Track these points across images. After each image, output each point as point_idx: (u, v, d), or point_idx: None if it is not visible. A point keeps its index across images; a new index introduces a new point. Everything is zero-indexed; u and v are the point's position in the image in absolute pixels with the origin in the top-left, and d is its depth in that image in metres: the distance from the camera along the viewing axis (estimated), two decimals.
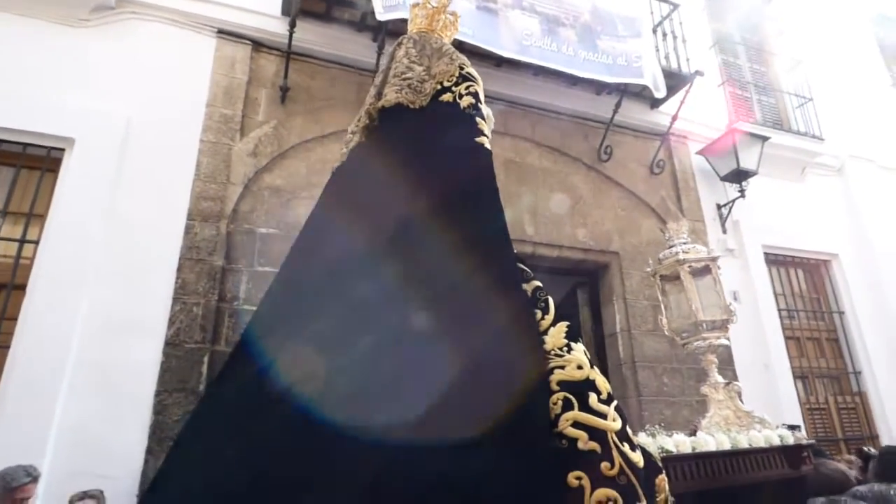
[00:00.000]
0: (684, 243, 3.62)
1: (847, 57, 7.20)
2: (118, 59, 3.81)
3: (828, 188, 6.46)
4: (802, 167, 6.33)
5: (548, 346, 1.23)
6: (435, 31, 2.11)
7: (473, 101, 1.76)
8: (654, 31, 5.29)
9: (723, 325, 3.46)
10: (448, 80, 1.81)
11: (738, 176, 5.38)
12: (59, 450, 2.92)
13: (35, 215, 3.42)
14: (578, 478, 1.02)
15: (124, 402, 3.15)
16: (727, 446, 2.91)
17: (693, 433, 3.04)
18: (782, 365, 5.25)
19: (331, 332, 1.33)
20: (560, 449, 1.07)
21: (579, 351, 1.23)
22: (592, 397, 1.14)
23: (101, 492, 2.79)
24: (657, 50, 5.16)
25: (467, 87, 1.79)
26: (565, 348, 1.23)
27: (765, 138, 5.45)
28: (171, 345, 3.37)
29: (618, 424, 1.11)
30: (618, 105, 4.99)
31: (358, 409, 1.13)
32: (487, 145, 1.66)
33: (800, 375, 5.53)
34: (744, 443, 2.98)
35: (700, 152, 5.64)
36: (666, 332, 3.68)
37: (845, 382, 5.85)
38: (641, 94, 5.23)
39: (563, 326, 1.28)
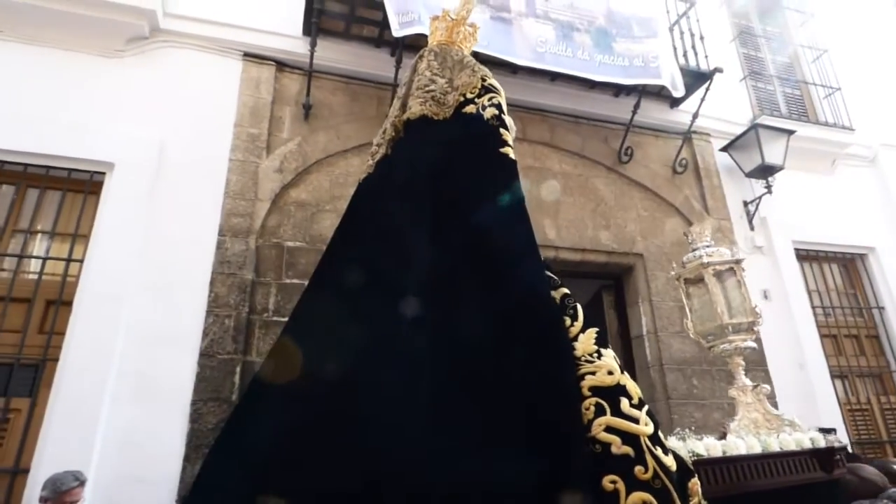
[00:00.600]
0: (707, 246, 3.61)
1: (874, 44, 7.00)
2: (152, 85, 4.03)
3: (860, 179, 6.28)
4: (832, 159, 6.18)
5: (578, 353, 1.26)
6: (455, 42, 2.17)
7: (497, 112, 1.79)
8: (671, 30, 5.27)
9: (749, 328, 3.44)
10: (471, 92, 1.85)
11: (764, 171, 5.29)
12: (104, 456, 3.09)
13: (79, 235, 3.64)
14: (613, 481, 1.05)
15: (163, 411, 3.31)
16: (757, 450, 2.86)
17: (722, 436, 3.01)
18: (818, 364, 5.11)
19: (364, 343, 1.36)
20: (594, 453, 1.09)
21: (609, 356, 1.26)
22: (624, 402, 1.16)
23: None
24: (675, 48, 5.14)
25: (490, 99, 1.82)
26: (595, 354, 1.25)
27: (790, 132, 5.35)
28: (205, 356, 3.53)
29: (650, 429, 1.13)
30: (636, 106, 4.98)
31: (398, 415, 1.16)
32: (512, 155, 1.69)
33: (838, 375, 5.37)
34: (774, 446, 2.93)
35: (724, 149, 5.57)
36: (691, 336, 3.67)
37: (888, 381, 5.64)
38: (661, 94, 5.21)
39: (592, 333, 1.30)
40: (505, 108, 1.83)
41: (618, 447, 1.10)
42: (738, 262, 3.56)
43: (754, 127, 5.29)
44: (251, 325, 3.72)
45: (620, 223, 5.08)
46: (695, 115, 5.17)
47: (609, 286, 5.35)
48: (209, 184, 3.92)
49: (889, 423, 5.40)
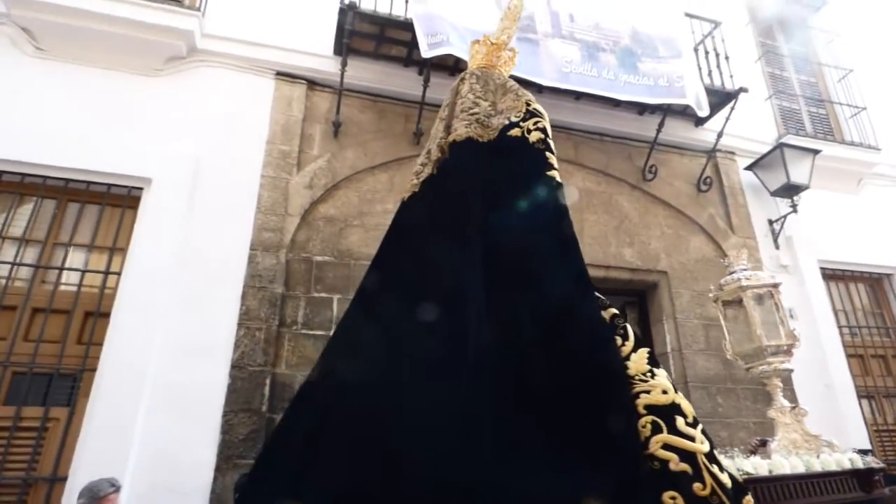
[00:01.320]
0: (744, 269, 3.72)
1: None
2: (188, 103, 4.16)
3: (887, 199, 6.22)
4: (858, 178, 6.13)
5: (631, 372, 1.28)
6: (496, 66, 2.20)
7: (542, 136, 1.82)
8: (696, 50, 5.30)
9: (787, 350, 3.52)
10: (515, 116, 1.88)
11: (789, 191, 5.27)
12: (139, 465, 3.16)
13: (117, 249, 3.75)
14: (673, 497, 1.08)
15: (195, 422, 3.38)
16: (801, 469, 2.95)
17: (752, 453, 3.06)
18: (845, 384, 5.05)
19: (417, 362, 1.39)
20: (654, 470, 1.12)
21: (662, 376, 1.28)
22: (680, 421, 1.18)
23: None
24: (700, 68, 5.17)
25: (535, 123, 1.84)
26: (649, 374, 1.28)
27: (815, 151, 5.34)
28: (236, 367, 3.60)
29: (706, 447, 1.15)
30: (661, 125, 5.01)
31: (460, 434, 1.18)
32: (559, 178, 1.72)
33: (865, 395, 5.29)
34: (816, 466, 3.01)
35: (749, 168, 5.56)
36: (728, 357, 3.74)
37: None
38: (685, 113, 5.24)
39: (644, 352, 1.33)
40: (550, 132, 1.86)
41: (676, 464, 1.12)
42: (775, 285, 3.66)
43: (779, 146, 5.28)
44: (281, 338, 3.79)
45: (644, 240, 5.08)
46: (720, 134, 5.18)
47: (633, 303, 5.34)
48: (242, 199, 4.02)
49: None
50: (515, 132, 1.83)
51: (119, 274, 3.64)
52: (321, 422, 1.40)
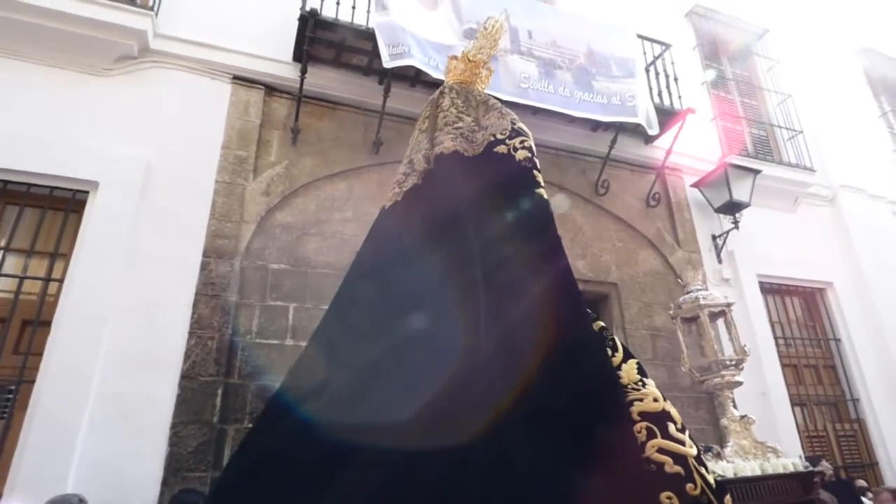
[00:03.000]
0: (700, 289, 4.01)
1: (835, 89, 7.47)
2: (140, 105, 4.04)
3: (821, 218, 6.64)
4: (795, 198, 6.52)
5: (624, 381, 1.35)
6: (473, 83, 2.25)
7: (529, 154, 1.85)
8: (647, 71, 5.53)
9: (738, 364, 3.79)
10: (501, 133, 1.91)
11: (732, 208, 5.56)
12: (81, 480, 3.04)
13: (60, 254, 3.60)
14: (669, 497, 1.15)
15: (141, 435, 3.28)
16: (758, 472, 3.28)
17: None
18: (780, 392, 5.36)
19: (407, 369, 1.40)
20: (651, 472, 1.20)
21: (652, 385, 1.36)
22: (671, 426, 1.27)
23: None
24: (650, 88, 5.40)
25: (522, 142, 1.88)
26: (640, 383, 1.35)
27: (756, 171, 5.65)
28: (186, 378, 3.51)
29: (694, 450, 1.25)
30: (613, 141, 5.20)
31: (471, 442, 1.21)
32: (546, 195, 1.75)
33: (798, 403, 5.62)
34: (769, 469, 3.35)
35: (694, 185, 5.84)
36: (684, 369, 3.97)
37: (843, 409, 5.93)
38: (636, 131, 5.45)
39: (633, 363, 1.41)
40: (535, 150, 1.90)
41: (670, 467, 1.20)
42: (729, 305, 3.99)
43: (723, 165, 5.56)
44: (234, 348, 3.72)
45: (596, 253, 5.25)
46: (668, 152, 5.42)
47: None
48: (195, 205, 3.94)
49: (843, 450, 5.68)
50: (501, 149, 1.87)
51: (61, 281, 3.50)
52: (301, 438, 1.40)
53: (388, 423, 1.31)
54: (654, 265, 5.46)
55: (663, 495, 1.15)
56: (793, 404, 5.45)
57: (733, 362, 3.85)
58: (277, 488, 1.35)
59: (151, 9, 4.13)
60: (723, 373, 3.79)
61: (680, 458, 1.21)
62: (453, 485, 1.18)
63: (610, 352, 1.42)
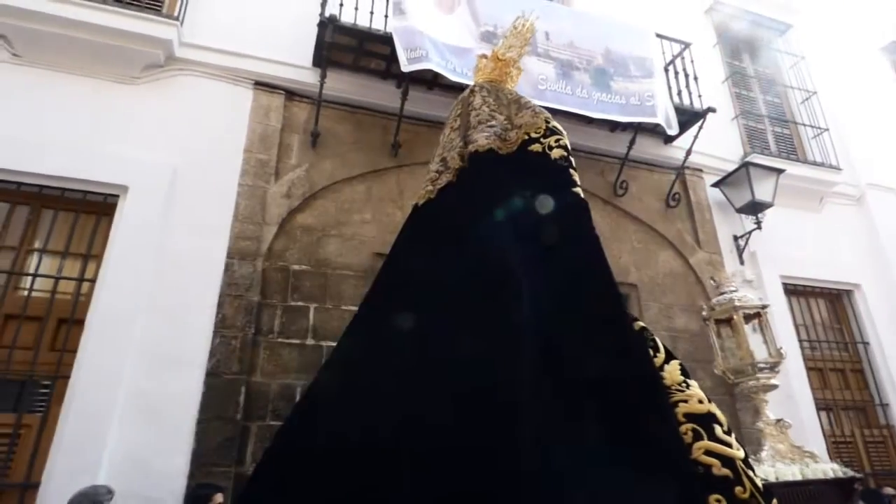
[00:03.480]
0: (734, 291, 3.97)
1: (862, 85, 7.28)
2: (166, 111, 4.19)
3: (847, 217, 6.49)
4: (820, 197, 6.39)
5: (667, 382, 1.36)
6: (504, 82, 2.26)
7: (564, 153, 1.86)
8: (667, 70, 5.49)
9: (773, 367, 3.73)
10: (535, 132, 1.92)
11: (754, 208, 5.48)
12: (112, 472, 3.17)
13: (92, 256, 3.75)
14: (718, 500, 1.16)
15: (169, 430, 3.40)
16: (799, 477, 3.27)
17: None
18: (804, 396, 5.25)
19: (451, 365, 1.37)
20: (700, 474, 1.20)
21: (696, 386, 1.36)
22: (717, 429, 1.27)
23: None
24: (669, 88, 5.36)
25: (557, 140, 1.89)
26: (683, 384, 1.36)
27: (779, 171, 5.56)
28: (211, 375, 3.63)
29: (742, 453, 1.25)
30: (632, 142, 5.18)
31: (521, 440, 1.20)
32: (582, 194, 1.77)
33: (824, 407, 5.51)
34: (809, 475, 3.34)
35: (715, 185, 5.77)
36: (717, 371, 3.92)
37: (872, 415, 5.79)
38: (655, 131, 5.41)
39: (676, 364, 1.41)
40: (570, 149, 1.90)
41: (718, 469, 1.21)
42: (764, 307, 3.95)
43: (745, 164, 5.50)
44: (256, 347, 3.83)
45: (615, 254, 5.23)
46: (688, 152, 5.37)
47: None
48: (219, 208, 4.06)
49: (872, 456, 5.53)
50: (536, 148, 1.87)
51: (93, 281, 3.65)
52: (343, 427, 1.40)
53: (430, 422, 1.29)
54: (674, 266, 5.42)
55: (712, 498, 1.16)
56: (818, 409, 5.34)
57: (768, 365, 3.79)
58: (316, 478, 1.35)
59: (176, 18, 4.27)
60: (758, 375, 3.75)
61: (728, 461, 1.21)
62: (500, 483, 1.15)
63: (652, 352, 1.41)
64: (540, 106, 2.10)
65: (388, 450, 1.30)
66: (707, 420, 1.29)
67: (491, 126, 1.98)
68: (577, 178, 1.82)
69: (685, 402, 1.32)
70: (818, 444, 5.03)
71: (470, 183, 1.88)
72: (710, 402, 1.33)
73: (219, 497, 3.04)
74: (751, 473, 1.22)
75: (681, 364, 1.41)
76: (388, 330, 1.58)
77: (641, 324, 1.50)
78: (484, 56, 2.33)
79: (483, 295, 1.49)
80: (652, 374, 1.36)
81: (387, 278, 1.85)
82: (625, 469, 1.15)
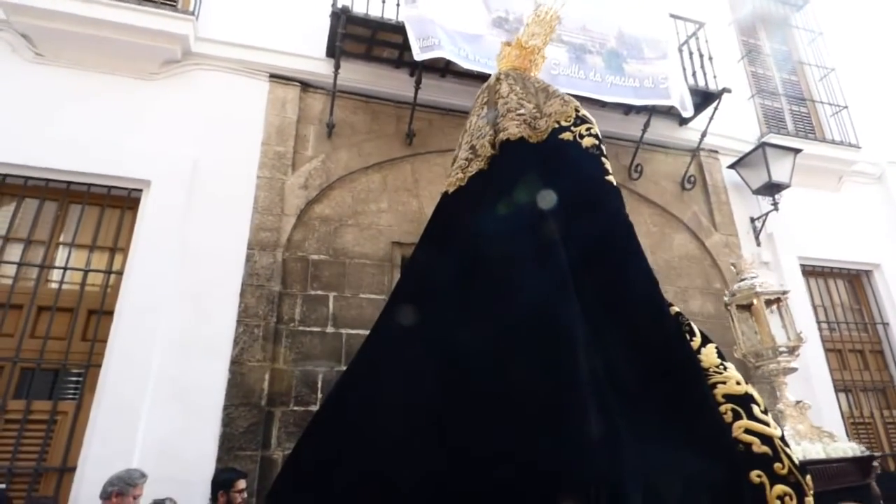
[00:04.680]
0: (755, 277, 4.05)
1: (881, 62, 7.12)
2: (185, 106, 4.27)
3: (867, 197, 6.40)
4: (839, 176, 6.30)
5: (705, 364, 1.42)
6: (528, 70, 2.26)
7: (596, 141, 1.89)
8: (680, 51, 5.43)
9: (793, 350, 3.88)
10: (565, 121, 1.94)
11: (771, 189, 5.43)
12: (144, 457, 3.29)
13: (118, 249, 3.87)
14: (759, 476, 1.24)
15: (197, 416, 3.52)
16: (822, 456, 3.35)
17: None
18: (823, 377, 5.24)
19: (495, 353, 1.37)
20: (741, 452, 1.28)
21: (732, 368, 1.43)
22: (755, 408, 1.34)
23: (174, 501, 3.11)
24: (684, 69, 5.31)
25: (588, 129, 1.92)
26: (720, 367, 1.42)
27: (797, 151, 5.50)
28: (236, 363, 3.74)
29: (779, 432, 1.32)
30: (646, 125, 5.16)
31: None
32: (615, 182, 1.81)
33: (843, 388, 5.49)
34: (832, 453, 3.42)
35: (731, 166, 5.72)
36: (737, 356, 4.01)
37: (892, 396, 5.76)
38: (670, 112, 5.37)
39: (713, 347, 1.47)
40: (601, 138, 1.92)
41: (758, 447, 1.28)
42: (784, 293, 4.01)
43: (761, 146, 5.44)
44: (278, 335, 3.93)
45: None
46: (703, 134, 5.34)
47: None
48: (239, 199, 4.15)
49: (892, 437, 5.52)
50: (567, 136, 1.90)
51: (121, 273, 3.77)
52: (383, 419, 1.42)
53: (484, 403, 1.28)
54: (690, 249, 5.41)
55: (753, 474, 1.23)
56: (837, 390, 5.33)
57: (788, 349, 3.90)
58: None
59: (192, 13, 4.33)
60: (779, 359, 3.84)
61: (766, 439, 1.28)
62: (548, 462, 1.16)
63: (688, 336, 1.47)
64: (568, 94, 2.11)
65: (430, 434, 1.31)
66: (745, 400, 1.35)
67: (520, 114, 1.98)
68: (609, 166, 1.84)
69: (723, 383, 1.37)
70: (837, 426, 5.02)
71: (502, 170, 1.89)
72: (746, 383, 1.39)
73: (241, 483, 3.16)
74: (788, 451, 1.29)
75: (717, 347, 1.46)
76: (426, 318, 1.59)
77: (676, 309, 1.55)
78: (508, 43, 2.32)
79: (530, 282, 1.50)
80: (691, 357, 1.41)
81: (419, 265, 1.87)
82: (675, 446, 1.21)
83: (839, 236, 5.96)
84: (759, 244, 5.57)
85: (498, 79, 2.17)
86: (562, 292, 1.42)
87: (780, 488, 1.22)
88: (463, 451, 1.24)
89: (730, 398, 1.35)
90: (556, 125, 1.93)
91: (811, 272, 5.87)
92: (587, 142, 1.88)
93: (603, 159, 1.85)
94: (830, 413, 5.11)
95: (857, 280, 6.17)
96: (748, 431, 1.29)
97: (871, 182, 6.51)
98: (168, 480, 3.25)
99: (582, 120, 1.94)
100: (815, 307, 5.67)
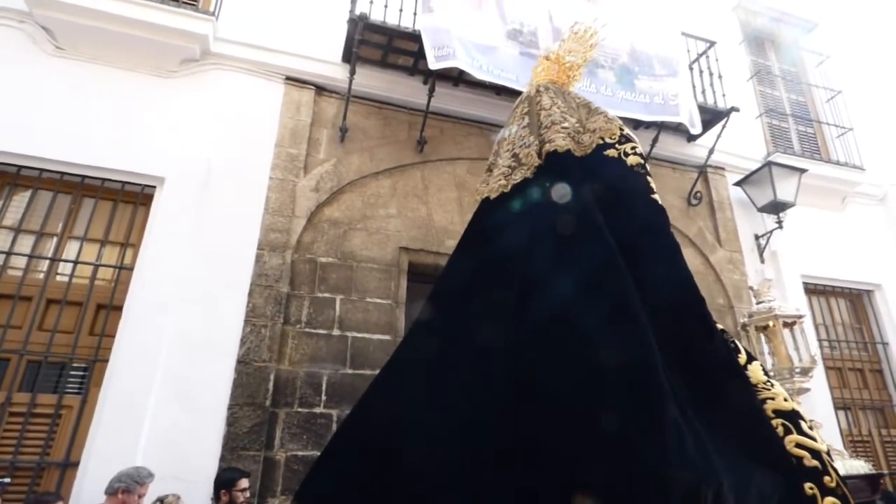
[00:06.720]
0: (772, 300, 4.23)
1: (887, 86, 7.20)
2: (201, 105, 4.30)
3: (870, 217, 6.46)
4: (843, 197, 6.36)
5: (753, 381, 1.46)
6: (566, 85, 2.27)
7: (641, 160, 1.91)
8: (691, 68, 5.49)
9: (806, 371, 4.03)
10: (610, 138, 1.95)
11: (776, 207, 5.48)
12: (148, 453, 3.30)
13: (130, 244, 3.89)
14: (811, 488, 1.29)
15: (202, 414, 3.52)
16: (843, 472, 3.38)
17: None
18: (823, 395, 5.26)
19: (554, 360, 1.36)
20: (794, 465, 1.33)
21: (778, 386, 1.47)
22: (803, 424, 1.39)
23: (178, 497, 3.11)
24: (693, 86, 5.37)
25: (632, 148, 1.94)
26: (768, 383, 1.47)
27: (802, 170, 5.55)
28: (242, 363, 3.74)
29: (825, 447, 1.38)
30: (655, 140, 5.20)
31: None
32: (660, 201, 1.82)
33: (842, 406, 5.52)
34: (849, 470, 3.63)
35: (737, 184, 5.77)
36: None
37: (890, 415, 5.79)
38: (678, 129, 5.42)
39: (758, 364, 1.51)
40: (646, 157, 1.97)
41: (808, 461, 1.34)
42: (800, 316, 4.20)
43: (768, 164, 5.49)
44: (285, 336, 3.94)
45: None
46: (711, 151, 5.39)
47: None
48: (250, 200, 4.17)
49: (889, 456, 5.54)
50: (612, 153, 1.91)
51: (131, 269, 3.78)
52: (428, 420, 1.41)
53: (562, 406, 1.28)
54: (695, 265, 5.43)
55: (806, 486, 1.28)
56: (836, 408, 5.36)
57: (802, 369, 4.04)
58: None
59: (212, 13, 4.37)
60: (794, 379, 3.97)
61: (815, 454, 1.34)
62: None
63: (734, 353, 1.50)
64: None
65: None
66: (793, 416, 1.40)
67: (565, 128, 1.99)
68: (654, 185, 1.86)
69: (772, 399, 1.43)
70: (835, 443, 5.05)
71: (548, 181, 1.89)
72: (792, 399, 1.44)
73: (244, 482, 3.16)
74: (835, 465, 1.35)
75: (762, 365, 1.51)
76: (471, 323, 1.57)
77: (721, 326, 1.59)
78: (546, 58, 2.34)
79: (594, 286, 1.48)
80: (743, 374, 1.46)
81: (462, 268, 1.83)
82: (741, 459, 1.25)
83: (842, 256, 6.01)
84: (762, 261, 5.61)
85: (538, 91, 2.19)
86: (630, 313, 1.41)
87: (830, 500, 1.28)
88: (545, 461, 1.23)
89: (779, 413, 1.40)
90: (601, 141, 1.95)
91: (813, 290, 5.91)
92: (632, 160, 1.90)
93: (648, 178, 1.87)
94: (830, 431, 5.13)
95: (858, 299, 6.22)
96: (799, 446, 1.35)
97: (874, 203, 6.58)
98: (171, 478, 3.26)
99: (627, 139, 1.96)
100: (816, 325, 5.70)
